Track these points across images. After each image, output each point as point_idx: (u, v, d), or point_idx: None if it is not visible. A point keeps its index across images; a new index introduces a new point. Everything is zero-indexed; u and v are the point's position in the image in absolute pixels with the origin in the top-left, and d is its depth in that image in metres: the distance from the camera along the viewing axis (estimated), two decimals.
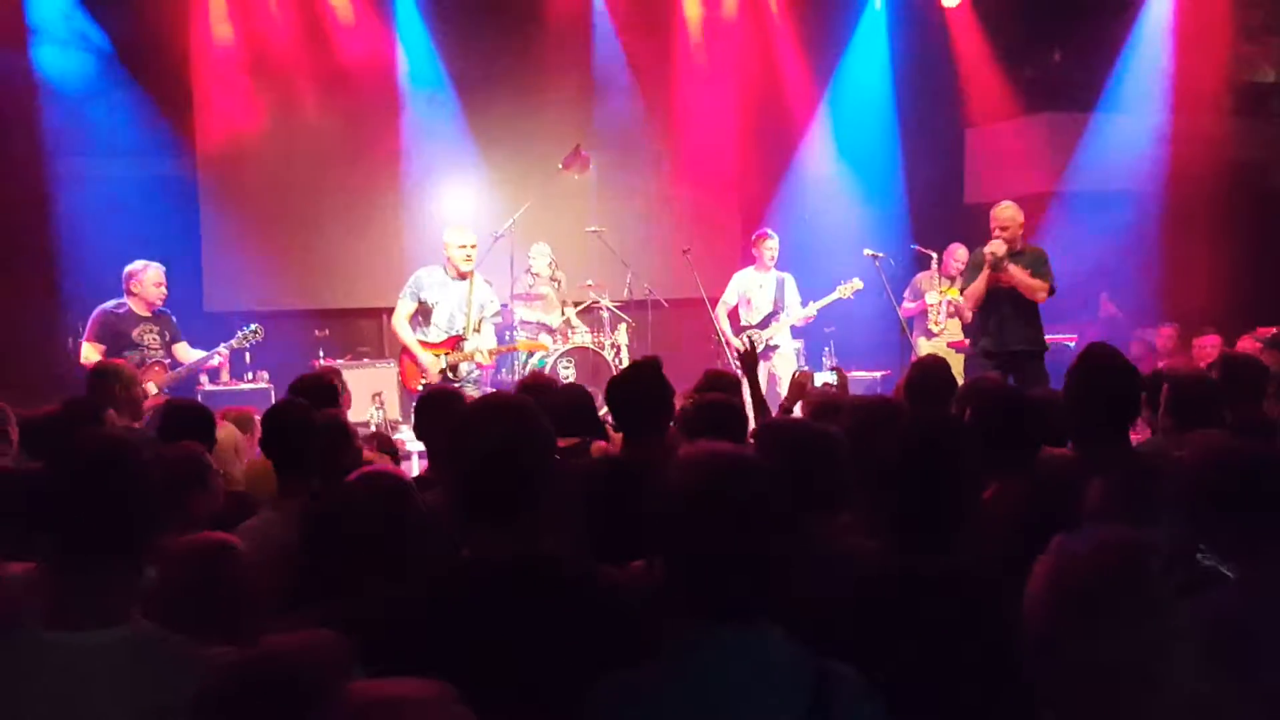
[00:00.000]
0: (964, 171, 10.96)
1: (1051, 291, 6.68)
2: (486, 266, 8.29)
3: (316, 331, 9.03)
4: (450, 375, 7.01)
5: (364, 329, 9.87)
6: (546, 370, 8.16)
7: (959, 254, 8.61)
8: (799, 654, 1.73)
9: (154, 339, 6.58)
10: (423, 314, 7.07)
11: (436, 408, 3.88)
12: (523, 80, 9.81)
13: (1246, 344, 7.33)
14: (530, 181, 9.02)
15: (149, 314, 6.61)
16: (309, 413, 3.55)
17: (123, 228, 8.49)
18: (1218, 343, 8.09)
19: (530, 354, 8.09)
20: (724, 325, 8.49)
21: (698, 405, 3.58)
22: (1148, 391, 4.48)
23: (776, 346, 8.51)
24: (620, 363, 8.71)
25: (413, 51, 9.68)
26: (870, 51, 10.47)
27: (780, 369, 8.41)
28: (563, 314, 8.77)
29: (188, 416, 3.92)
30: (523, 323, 8.59)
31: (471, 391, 6.62)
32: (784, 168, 10.59)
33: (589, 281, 8.88)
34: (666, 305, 9.08)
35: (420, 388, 6.80)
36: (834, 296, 8.37)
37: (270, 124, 9.37)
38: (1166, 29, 9.68)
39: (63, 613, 1.78)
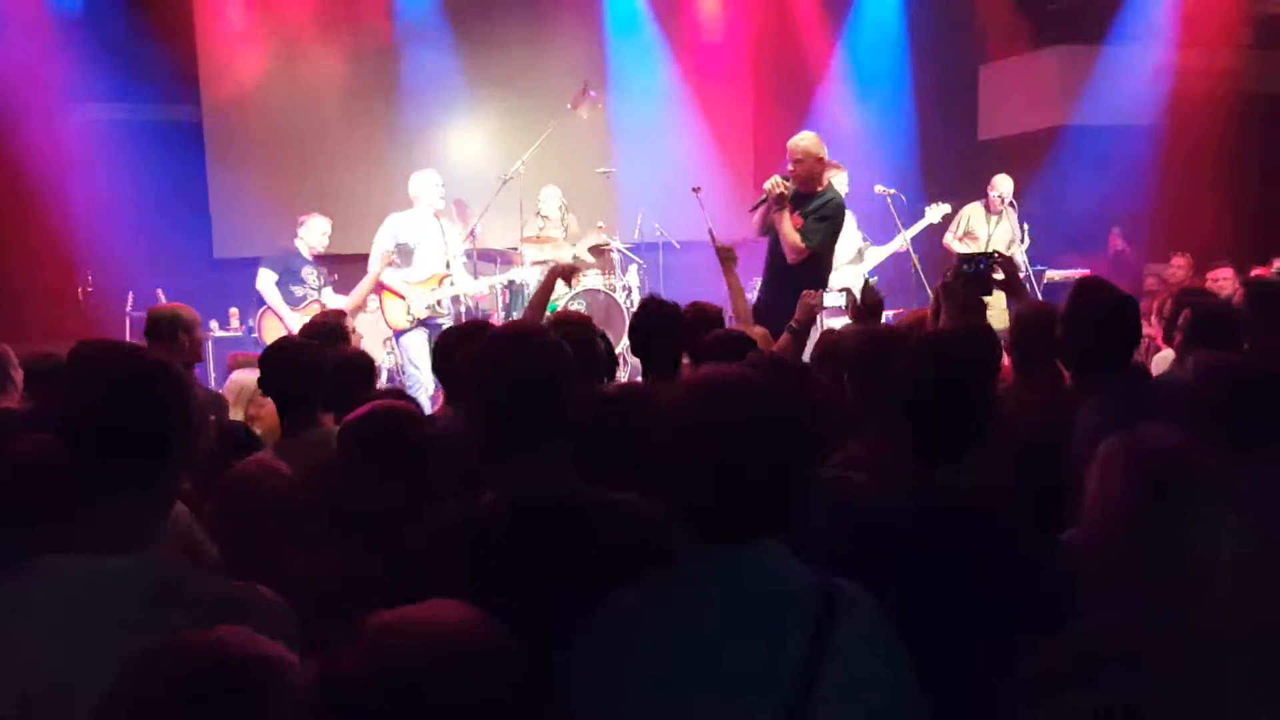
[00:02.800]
0: (977, 108, 10.87)
1: (809, 256, 5.67)
2: (495, 209, 8.30)
3: (330, 276, 9.01)
4: (436, 309, 7.48)
5: None
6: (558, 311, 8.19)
7: (999, 184, 8.30)
8: (801, 575, 1.65)
9: (315, 280, 7.58)
10: (400, 255, 7.46)
11: (465, 341, 3.85)
12: (530, 19, 9.71)
13: (1262, 276, 7.30)
14: (539, 122, 8.93)
15: (311, 258, 7.59)
16: (316, 351, 3.52)
17: (131, 173, 8.51)
18: (1231, 275, 8.05)
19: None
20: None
21: (709, 340, 3.60)
22: (1167, 319, 4.50)
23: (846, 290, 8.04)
24: (631, 304, 8.71)
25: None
26: None
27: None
28: (573, 256, 8.75)
29: None
30: (534, 264, 8.57)
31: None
32: (798, 106, 10.49)
33: (599, 223, 8.85)
34: (678, 246, 9.04)
35: (407, 324, 7.41)
36: (924, 223, 7.99)
37: (274, 70, 9.31)
38: None
39: (86, 537, 1.68)
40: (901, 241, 7.88)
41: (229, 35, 9.20)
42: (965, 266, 4.24)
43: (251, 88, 9.25)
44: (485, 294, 8.08)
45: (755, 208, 6.11)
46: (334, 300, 7.46)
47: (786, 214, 5.79)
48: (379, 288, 7.49)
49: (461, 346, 3.78)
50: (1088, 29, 9.93)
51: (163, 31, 8.81)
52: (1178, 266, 8.81)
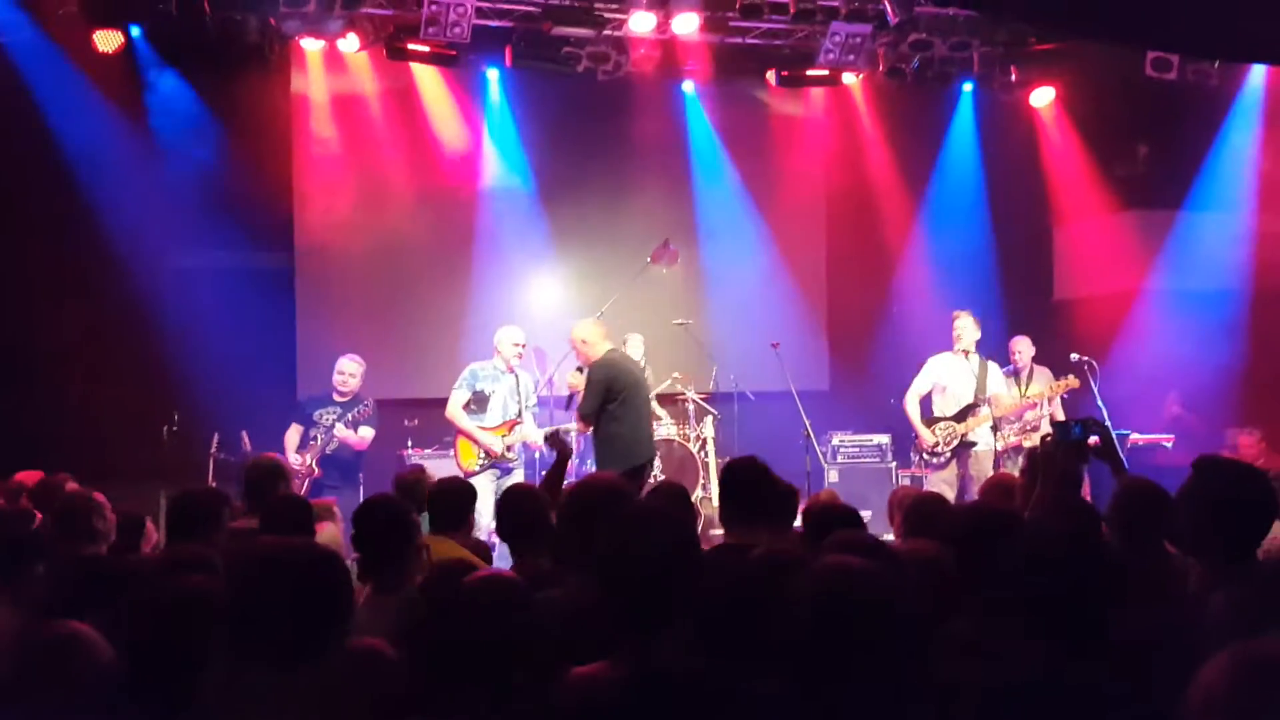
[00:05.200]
0: (1053, 268, 10.93)
1: (585, 422, 6.73)
2: (573, 358, 8.42)
3: (406, 421, 9.14)
4: (508, 454, 7.74)
5: None
6: None
7: (1019, 345, 8.34)
8: None
9: (328, 419, 7.78)
10: (476, 402, 7.77)
11: (526, 500, 3.79)
12: (613, 176, 10.00)
13: None
14: (618, 274, 9.13)
15: (336, 400, 7.88)
16: (409, 512, 3.59)
17: (222, 318, 8.77)
18: None
19: None
20: (913, 413, 8.01)
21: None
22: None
23: (974, 444, 7.86)
24: (705, 456, 8.72)
25: (502, 147, 9.92)
26: (960, 149, 10.53)
27: (976, 470, 7.70)
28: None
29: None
30: None
31: (515, 475, 7.63)
32: (874, 264, 10.63)
33: (675, 374, 8.93)
34: (753, 398, 9.07)
35: (478, 467, 7.64)
36: (1051, 390, 7.90)
37: (364, 219, 9.61)
38: (1256, 126, 9.63)
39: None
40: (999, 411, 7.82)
41: (324, 187, 9.58)
42: (1063, 432, 4.15)
43: (342, 237, 9.57)
44: (541, 445, 8.13)
45: (567, 403, 7.26)
46: (342, 434, 7.71)
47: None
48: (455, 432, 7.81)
49: (524, 505, 3.75)
50: (1165, 194, 10.01)
51: (261, 182, 9.22)
52: (1249, 444, 8.33)
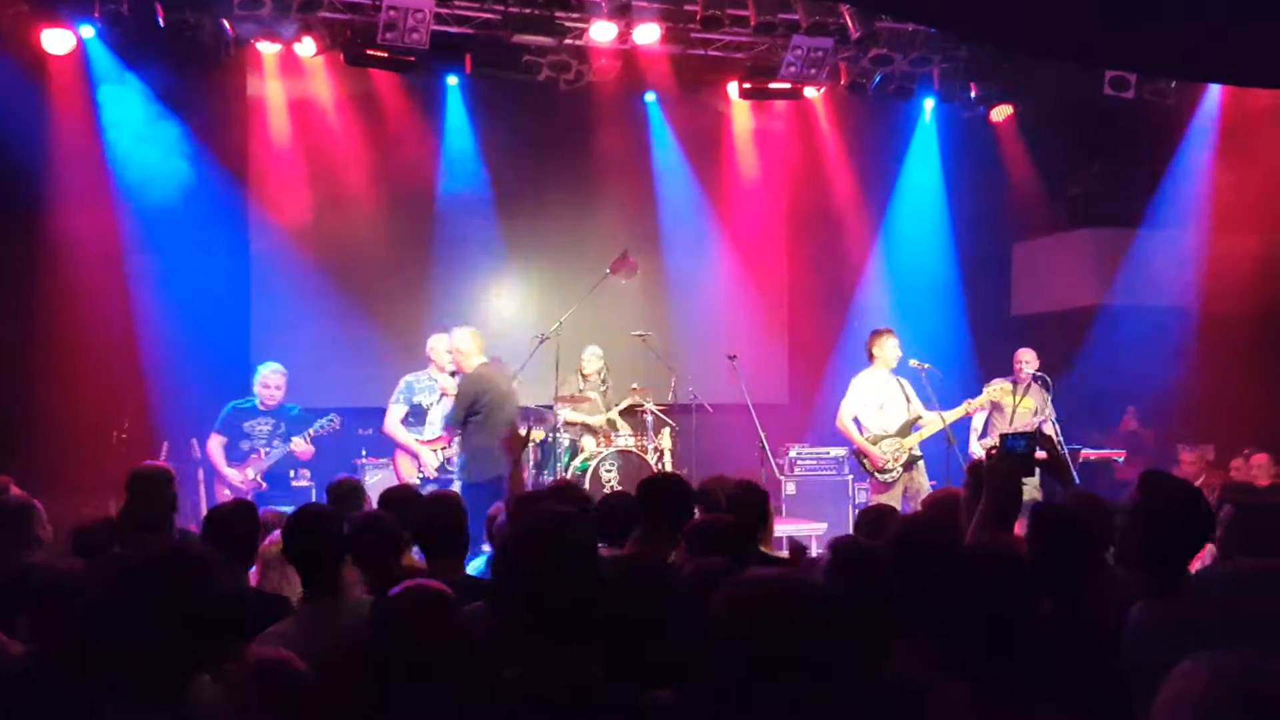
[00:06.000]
0: (1011, 283, 11.00)
1: (449, 430, 7.28)
2: (532, 367, 8.38)
3: (360, 430, 9.04)
4: (447, 468, 7.67)
5: None
6: (589, 472, 8.19)
7: (1024, 356, 8.26)
8: None
9: (264, 431, 7.55)
10: (414, 415, 7.83)
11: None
12: (574, 186, 9.99)
13: None
14: (577, 285, 9.09)
15: (264, 409, 7.60)
16: (338, 521, 3.55)
17: (174, 321, 8.65)
18: (1266, 461, 7.89)
19: (573, 455, 8.28)
20: (854, 432, 7.91)
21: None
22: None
23: (919, 458, 7.90)
24: (663, 466, 8.68)
25: (460, 157, 9.83)
26: (921, 163, 10.58)
27: (918, 484, 7.75)
28: (606, 420, 8.82)
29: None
30: (567, 424, 8.61)
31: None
32: (834, 276, 10.66)
33: (634, 385, 8.90)
34: (711, 410, 9.06)
35: (418, 481, 7.53)
36: (963, 410, 7.89)
37: (321, 225, 9.52)
38: (1212, 145, 9.73)
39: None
40: (939, 422, 7.79)
41: (280, 191, 9.47)
42: (1008, 445, 4.14)
43: (298, 243, 9.47)
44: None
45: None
46: (300, 447, 7.51)
47: None
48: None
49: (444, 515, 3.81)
50: (1120, 211, 10.09)
51: (216, 185, 9.08)
52: (1194, 459, 8.42)
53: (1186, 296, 9.69)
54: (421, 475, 7.69)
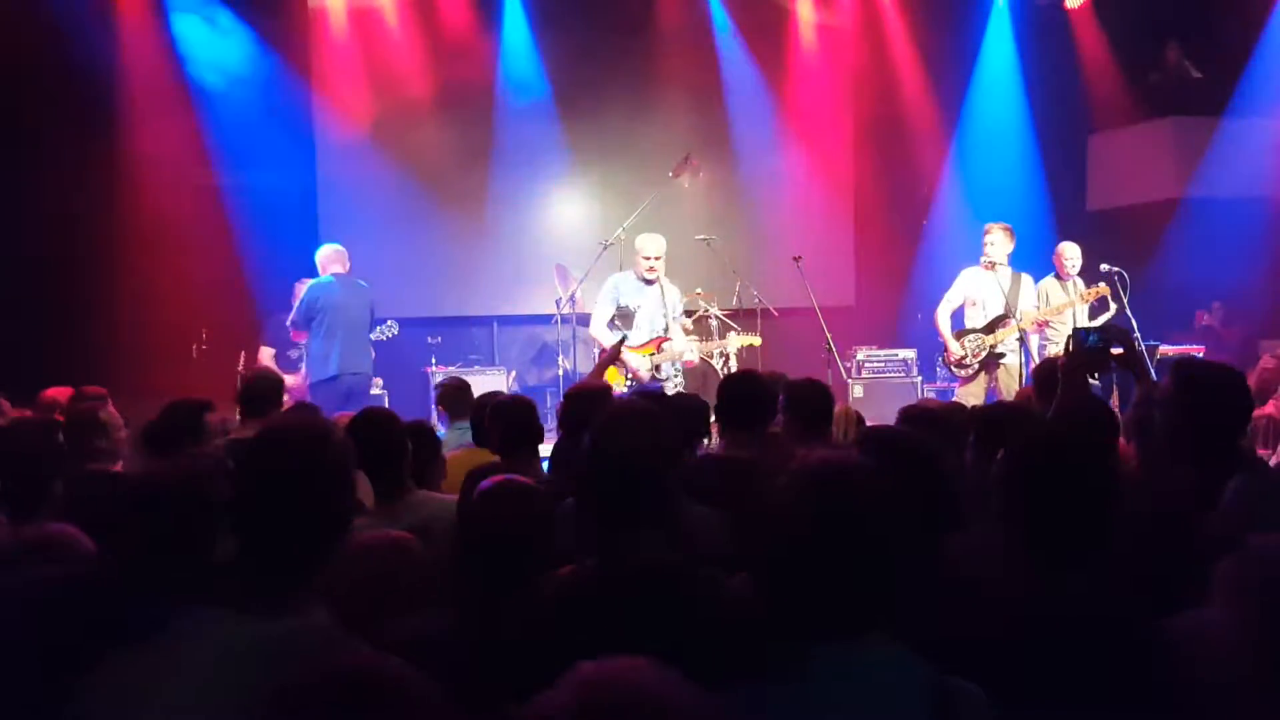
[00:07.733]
0: (1086, 178, 10.67)
1: (294, 330, 7.30)
2: (597, 273, 8.36)
3: (429, 338, 9.19)
4: (656, 374, 7.18)
5: (475, 336, 10.02)
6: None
7: (1067, 252, 7.99)
8: (917, 673, 1.60)
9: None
10: (621, 318, 7.23)
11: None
12: (633, 89, 9.87)
13: None
14: (640, 189, 9.03)
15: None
16: (398, 422, 3.52)
17: (248, 237, 8.80)
18: None
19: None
20: (944, 325, 7.74)
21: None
22: None
23: (1002, 356, 7.60)
24: (729, 371, 8.67)
25: (520, 62, 9.78)
26: (995, 56, 10.23)
27: (1006, 384, 7.49)
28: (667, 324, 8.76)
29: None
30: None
31: (671, 389, 6.90)
32: (903, 176, 10.44)
33: (698, 290, 8.85)
34: (777, 314, 8.99)
35: (625, 390, 6.82)
36: (1083, 298, 7.57)
37: (384, 137, 9.57)
38: None
39: (242, 597, 1.75)
40: (1023, 321, 7.47)
41: (343, 103, 9.51)
42: (1083, 340, 4.02)
43: (362, 155, 9.53)
44: (695, 361, 7.72)
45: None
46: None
47: None
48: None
49: (516, 415, 3.80)
50: (1204, 100, 9.69)
51: (284, 101, 9.16)
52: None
53: (1274, 187, 9.33)
54: (631, 381, 7.06)
